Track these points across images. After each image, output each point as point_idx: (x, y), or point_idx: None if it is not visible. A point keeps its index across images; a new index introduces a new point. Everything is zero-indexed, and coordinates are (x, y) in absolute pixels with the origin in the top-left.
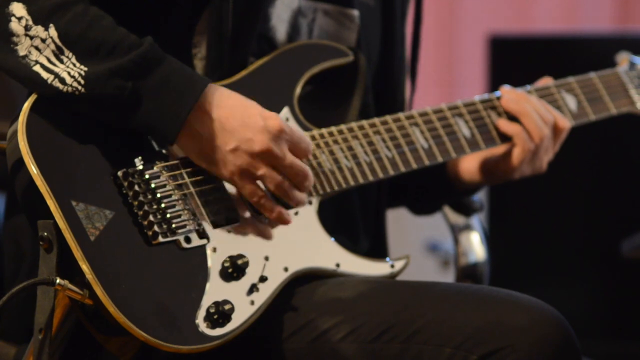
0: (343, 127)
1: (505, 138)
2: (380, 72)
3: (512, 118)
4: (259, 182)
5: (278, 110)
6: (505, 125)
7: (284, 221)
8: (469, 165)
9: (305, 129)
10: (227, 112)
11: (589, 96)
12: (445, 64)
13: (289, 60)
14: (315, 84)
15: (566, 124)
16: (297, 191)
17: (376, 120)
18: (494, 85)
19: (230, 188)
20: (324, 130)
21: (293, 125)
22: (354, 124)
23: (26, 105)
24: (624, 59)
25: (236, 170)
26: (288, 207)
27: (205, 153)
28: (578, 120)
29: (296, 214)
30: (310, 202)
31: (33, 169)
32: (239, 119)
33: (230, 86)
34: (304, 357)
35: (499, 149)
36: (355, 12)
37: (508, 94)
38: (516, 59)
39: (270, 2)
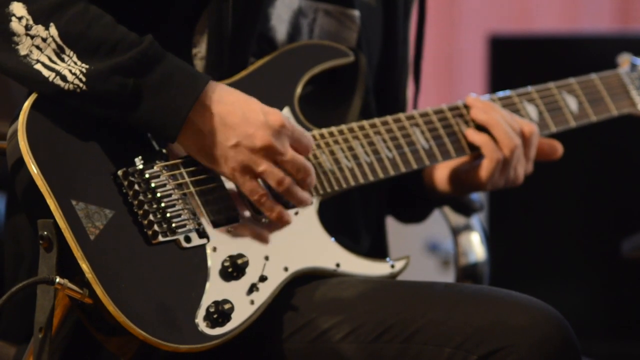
0: (344, 127)
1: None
2: (382, 72)
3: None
4: (260, 180)
5: (279, 110)
6: (472, 135)
7: (284, 221)
8: (442, 174)
9: (306, 129)
10: (228, 108)
11: (590, 97)
12: (445, 64)
13: (289, 60)
14: (316, 84)
15: (532, 127)
16: (300, 189)
17: (377, 120)
18: (494, 85)
19: (230, 187)
20: (325, 131)
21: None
22: (354, 124)
23: (26, 105)
24: (625, 60)
25: (237, 166)
26: (288, 207)
27: (206, 149)
28: (579, 121)
29: (296, 213)
30: (310, 202)
31: (33, 168)
32: (239, 115)
33: (230, 86)
34: (303, 357)
35: (468, 158)
36: (356, 13)
37: (476, 103)
38: (516, 59)
39: (270, 2)
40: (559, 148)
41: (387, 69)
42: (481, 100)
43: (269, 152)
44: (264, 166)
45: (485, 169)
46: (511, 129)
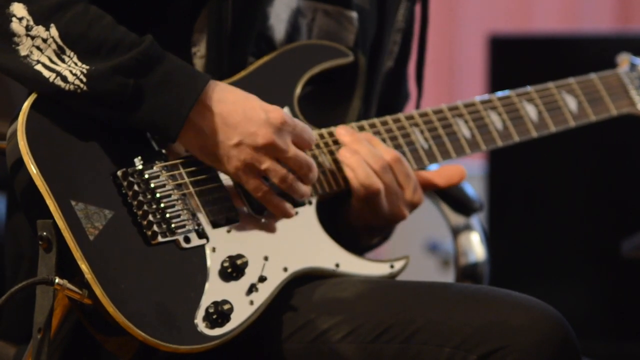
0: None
1: None
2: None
3: None
4: (263, 177)
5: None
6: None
7: (288, 215)
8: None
9: None
10: (229, 107)
11: (589, 97)
12: (445, 64)
13: (289, 60)
14: (316, 84)
15: (393, 154)
16: (301, 184)
17: (376, 120)
18: (494, 85)
19: (230, 188)
20: (324, 131)
21: None
22: (353, 124)
23: (25, 105)
24: (624, 60)
25: (240, 165)
26: (292, 202)
27: (208, 149)
28: (578, 121)
29: (296, 213)
30: (310, 202)
31: (32, 168)
32: (241, 114)
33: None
34: (303, 357)
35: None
36: (354, 15)
37: (343, 139)
38: (516, 59)
39: (268, 0)
40: (455, 175)
41: (369, 74)
42: (349, 134)
43: (272, 150)
44: (267, 164)
45: (354, 206)
46: (373, 170)
